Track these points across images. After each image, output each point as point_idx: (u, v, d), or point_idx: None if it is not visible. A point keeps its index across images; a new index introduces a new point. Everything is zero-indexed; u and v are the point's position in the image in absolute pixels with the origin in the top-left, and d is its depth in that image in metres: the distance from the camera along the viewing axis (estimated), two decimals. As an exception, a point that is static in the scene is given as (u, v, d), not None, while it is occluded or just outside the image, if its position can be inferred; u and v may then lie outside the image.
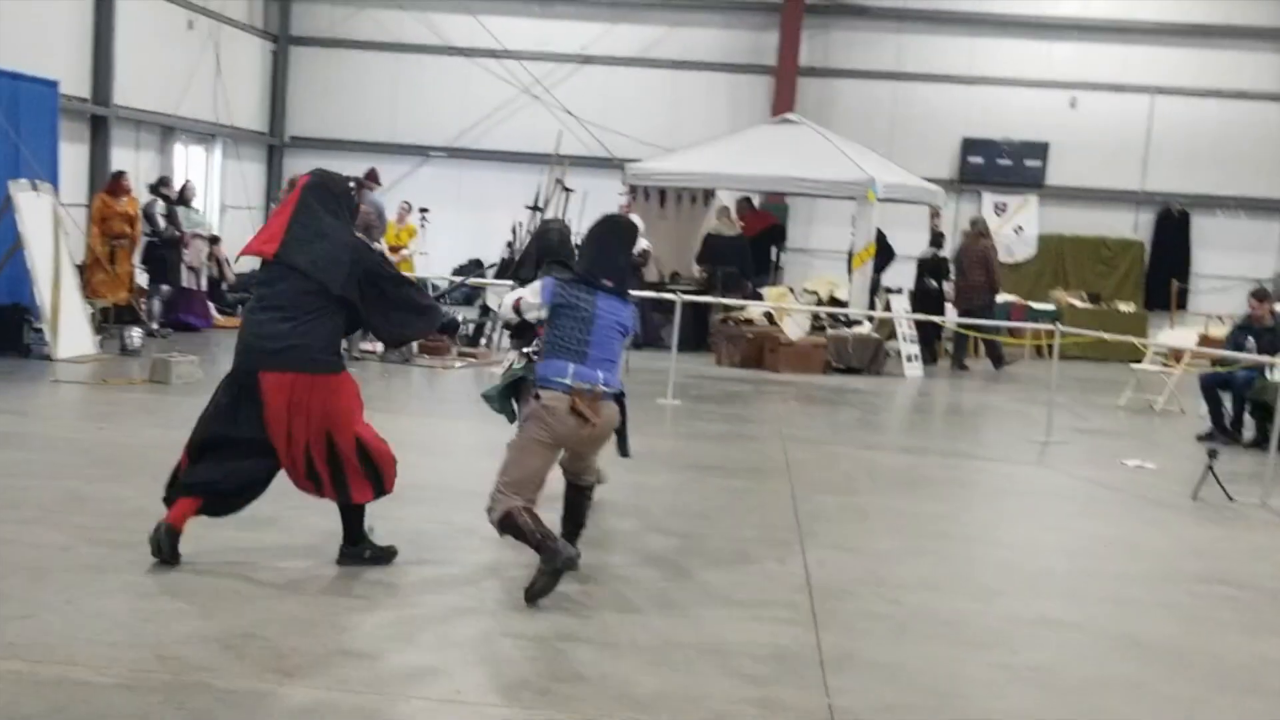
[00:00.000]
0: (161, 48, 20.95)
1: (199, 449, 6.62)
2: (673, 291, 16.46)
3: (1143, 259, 24.42)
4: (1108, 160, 24.10)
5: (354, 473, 6.61)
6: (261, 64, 25.04)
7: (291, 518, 7.50)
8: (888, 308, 19.25)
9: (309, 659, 5.43)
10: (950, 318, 19.18)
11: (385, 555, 6.93)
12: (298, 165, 23.09)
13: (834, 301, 19.46)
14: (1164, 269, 24.12)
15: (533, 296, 6.60)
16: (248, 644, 5.54)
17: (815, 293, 20.07)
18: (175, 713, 4.79)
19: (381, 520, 7.12)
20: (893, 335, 18.94)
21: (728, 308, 18.30)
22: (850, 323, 18.59)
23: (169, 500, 6.65)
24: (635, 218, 19.03)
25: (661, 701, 5.29)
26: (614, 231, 6.89)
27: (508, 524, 6.36)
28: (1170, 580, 8.01)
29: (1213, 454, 10.62)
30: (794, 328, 18.05)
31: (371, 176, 18.83)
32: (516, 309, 6.69)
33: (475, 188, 24.53)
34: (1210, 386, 13.93)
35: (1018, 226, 24.13)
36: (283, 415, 6.44)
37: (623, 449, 6.86)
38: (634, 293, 7.28)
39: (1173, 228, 24.26)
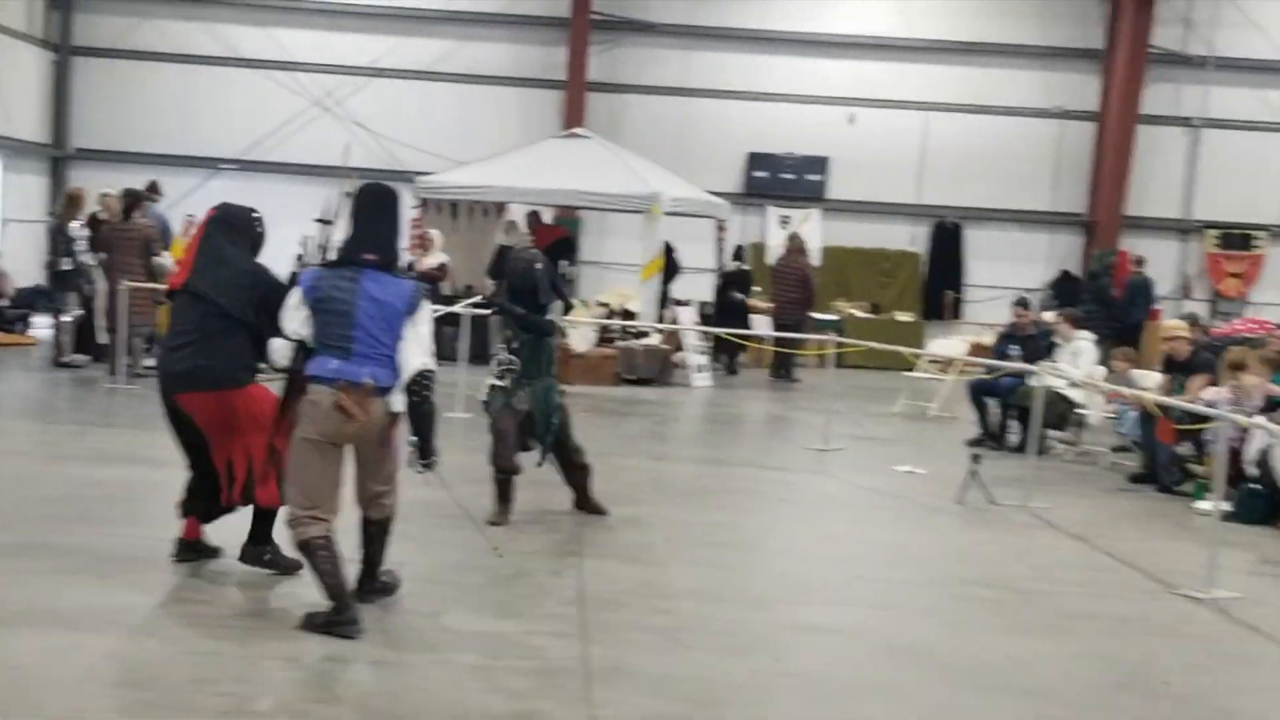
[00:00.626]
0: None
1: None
2: (475, 305, 16.43)
3: (920, 270, 25.26)
4: (885, 174, 24.82)
5: (262, 477, 6.95)
6: (43, 74, 24.30)
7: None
8: (676, 320, 19.63)
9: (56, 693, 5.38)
10: (737, 330, 19.56)
11: (286, 565, 7.10)
12: (84, 177, 22.37)
13: (626, 314, 19.74)
14: (940, 280, 25.00)
15: (289, 314, 6.41)
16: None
17: (608, 305, 20.33)
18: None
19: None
20: (681, 347, 19.30)
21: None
22: (639, 334, 18.89)
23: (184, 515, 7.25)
24: (435, 232, 19.20)
25: (420, 718, 5.35)
26: (373, 200, 6.57)
27: (305, 551, 6.29)
28: (934, 584, 8.31)
29: (976, 459, 11.01)
30: (581, 340, 18.26)
31: (153, 189, 18.45)
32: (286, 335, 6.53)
33: (266, 201, 23.61)
34: (977, 393, 14.50)
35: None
36: (204, 430, 6.92)
37: (425, 456, 6.57)
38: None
39: (947, 240, 25.14)
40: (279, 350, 6.50)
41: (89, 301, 16.10)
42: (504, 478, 9.09)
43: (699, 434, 15.66)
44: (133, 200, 16.07)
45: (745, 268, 21.01)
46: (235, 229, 7.24)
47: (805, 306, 20.25)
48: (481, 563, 7.82)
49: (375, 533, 6.71)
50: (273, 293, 6.89)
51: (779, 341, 19.32)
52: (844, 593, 7.96)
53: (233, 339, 6.89)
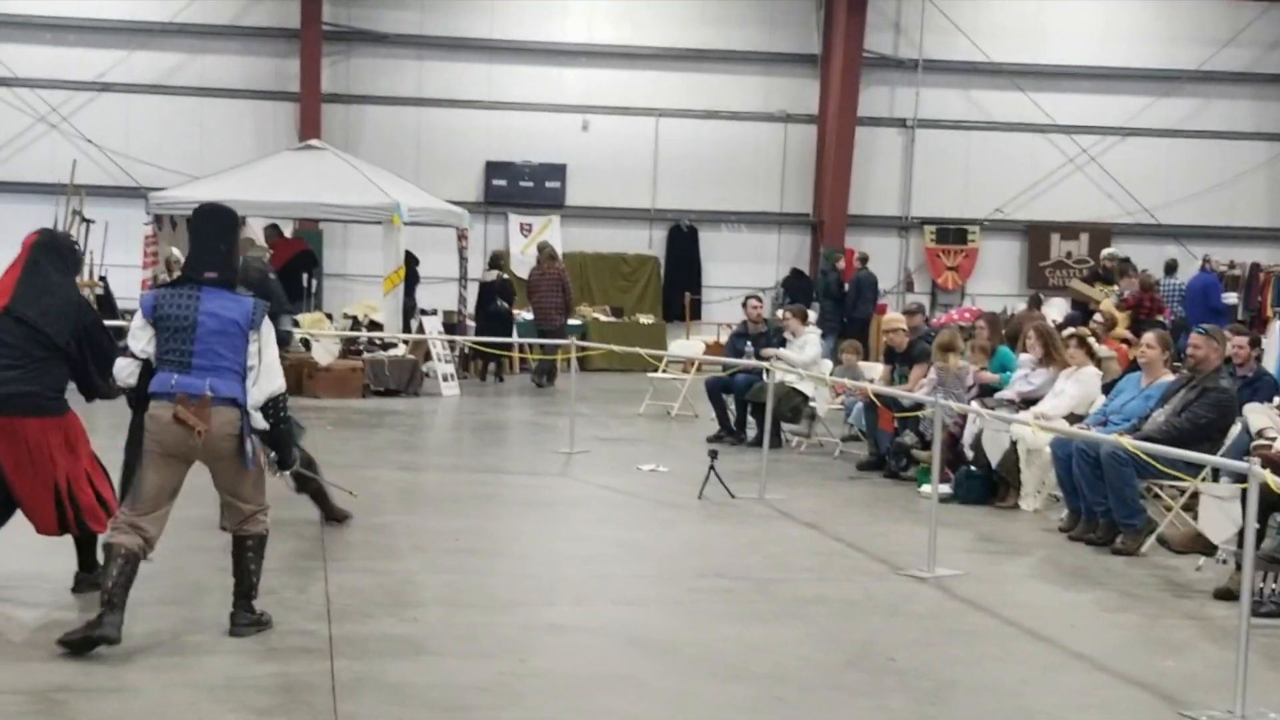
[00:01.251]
0: None
1: None
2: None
3: (659, 273, 25.75)
4: (620, 180, 25.24)
5: (89, 503, 7.06)
6: None
7: None
8: (422, 329, 19.65)
9: None
10: (489, 339, 19.65)
11: None
12: None
13: (372, 325, 19.67)
14: (679, 282, 25.52)
15: (133, 334, 6.53)
16: None
17: (354, 317, 20.22)
18: None
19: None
20: (429, 356, 19.33)
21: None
22: (386, 345, 18.86)
23: None
24: (175, 250, 18.76)
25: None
26: (208, 219, 6.71)
27: (108, 552, 6.33)
28: (673, 578, 8.60)
29: (714, 455, 11.31)
30: (324, 353, 18.10)
31: None
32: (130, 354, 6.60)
33: (-7, 221, 23.18)
34: (714, 390, 14.91)
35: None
36: (20, 458, 6.87)
37: (284, 465, 7.00)
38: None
39: (683, 242, 25.68)
40: (124, 369, 6.62)
41: None
42: None
43: (447, 442, 15.75)
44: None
45: (505, 276, 21.13)
46: (62, 255, 7.31)
47: (566, 312, 20.52)
48: (223, 582, 7.70)
49: (253, 546, 6.78)
50: (94, 326, 7.16)
51: (541, 348, 19.60)
52: (588, 591, 8.19)
53: (55, 367, 6.95)
